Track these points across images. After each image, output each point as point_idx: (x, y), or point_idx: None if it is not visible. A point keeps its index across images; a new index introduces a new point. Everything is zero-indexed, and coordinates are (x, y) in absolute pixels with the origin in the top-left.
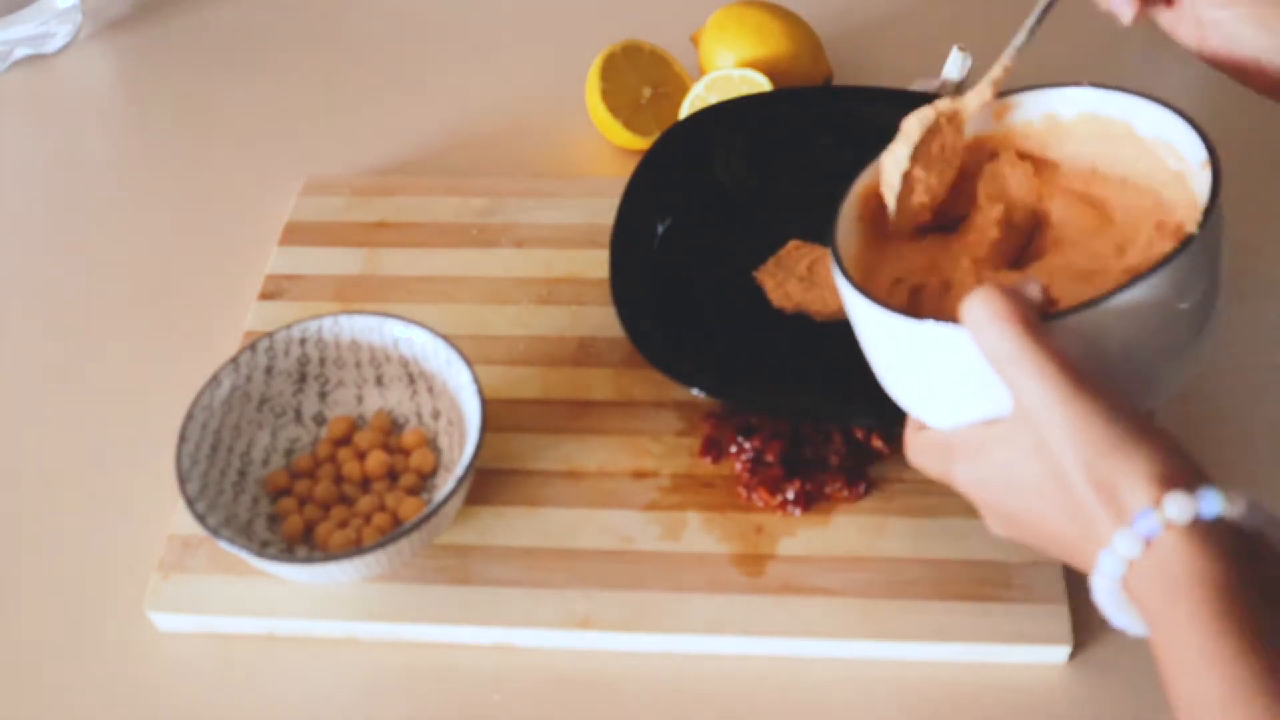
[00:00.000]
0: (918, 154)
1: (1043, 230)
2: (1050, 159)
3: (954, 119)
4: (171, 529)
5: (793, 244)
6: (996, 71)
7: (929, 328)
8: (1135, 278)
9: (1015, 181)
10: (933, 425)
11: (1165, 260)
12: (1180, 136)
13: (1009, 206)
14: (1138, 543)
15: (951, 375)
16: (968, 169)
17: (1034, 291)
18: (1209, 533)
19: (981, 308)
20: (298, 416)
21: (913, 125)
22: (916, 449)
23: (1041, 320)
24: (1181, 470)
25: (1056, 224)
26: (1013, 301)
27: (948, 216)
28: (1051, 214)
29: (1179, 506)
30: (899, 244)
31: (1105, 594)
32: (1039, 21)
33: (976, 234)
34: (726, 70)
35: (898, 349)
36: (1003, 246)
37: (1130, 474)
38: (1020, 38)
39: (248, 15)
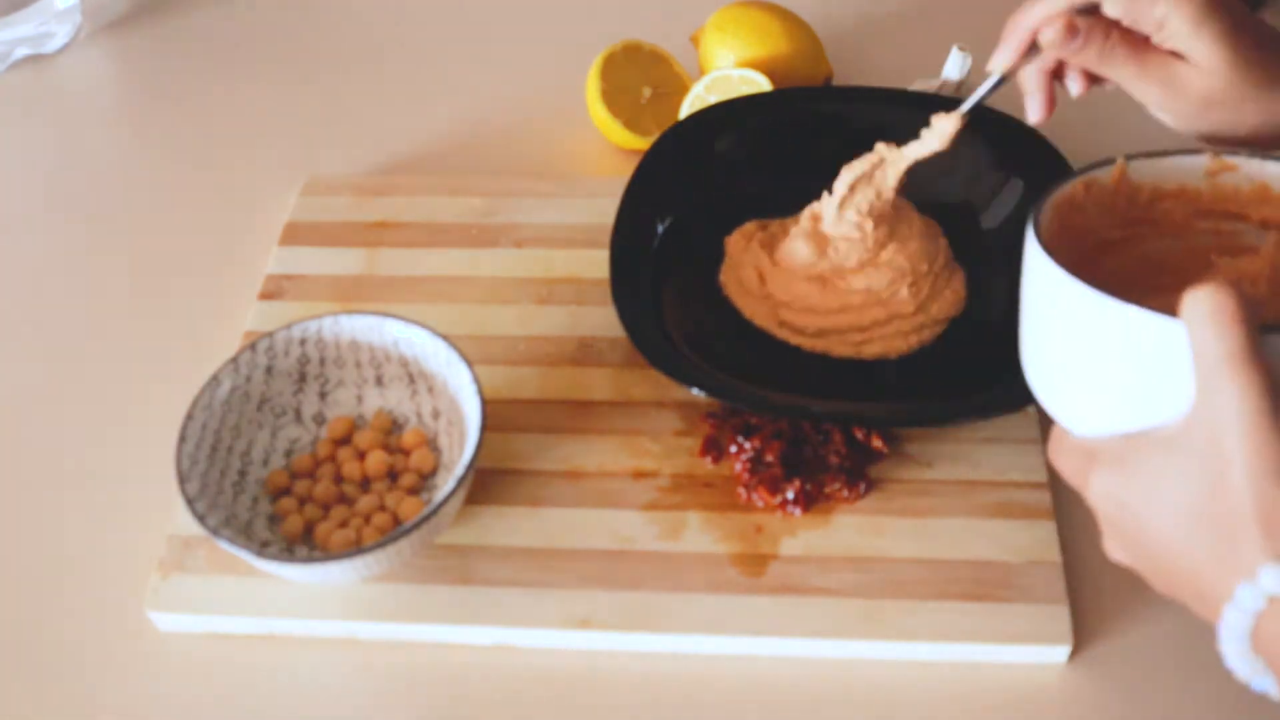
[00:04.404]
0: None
1: None
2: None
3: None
4: (171, 529)
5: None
6: (947, 125)
7: (1133, 312)
8: None
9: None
10: (1077, 430)
11: None
12: None
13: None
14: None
15: (1131, 371)
16: (1156, 215)
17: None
18: None
19: (1210, 301)
20: (298, 416)
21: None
22: (1059, 450)
23: (1260, 332)
24: None
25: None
26: (1244, 304)
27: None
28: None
29: None
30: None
31: (1235, 634)
32: (992, 90)
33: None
34: (726, 70)
35: (1078, 334)
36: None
37: None
38: (976, 97)
39: (248, 15)
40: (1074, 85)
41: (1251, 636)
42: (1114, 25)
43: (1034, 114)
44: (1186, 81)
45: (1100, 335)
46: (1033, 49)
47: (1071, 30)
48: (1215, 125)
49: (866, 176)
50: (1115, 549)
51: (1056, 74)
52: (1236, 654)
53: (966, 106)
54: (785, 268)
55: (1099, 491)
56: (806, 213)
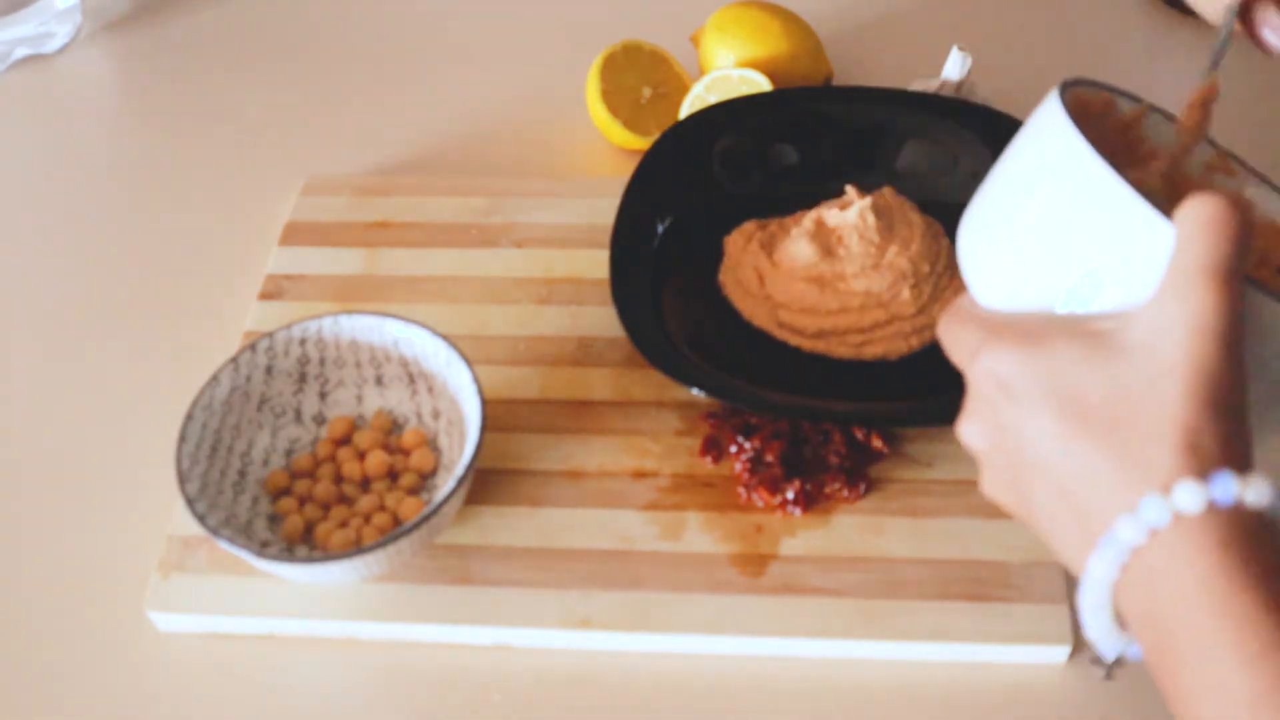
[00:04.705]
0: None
1: None
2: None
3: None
4: (171, 529)
5: (738, 233)
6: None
7: (1128, 195)
8: None
9: None
10: (990, 300)
11: None
12: None
13: None
14: (1200, 500)
15: (1092, 252)
16: (1139, 176)
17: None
18: (1260, 520)
19: (1213, 209)
20: (298, 416)
21: None
22: (953, 317)
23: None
24: (1249, 464)
25: None
26: (1245, 225)
27: None
28: None
29: (1259, 486)
30: None
31: (1111, 561)
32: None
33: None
34: (726, 70)
35: (1060, 199)
36: None
37: (1223, 440)
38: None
39: (248, 15)
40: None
41: (1121, 570)
42: None
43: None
44: None
45: (1084, 208)
46: None
47: None
48: None
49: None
50: (974, 433)
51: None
52: (1103, 587)
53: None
54: (784, 268)
55: (986, 366)
56: (810, 215)
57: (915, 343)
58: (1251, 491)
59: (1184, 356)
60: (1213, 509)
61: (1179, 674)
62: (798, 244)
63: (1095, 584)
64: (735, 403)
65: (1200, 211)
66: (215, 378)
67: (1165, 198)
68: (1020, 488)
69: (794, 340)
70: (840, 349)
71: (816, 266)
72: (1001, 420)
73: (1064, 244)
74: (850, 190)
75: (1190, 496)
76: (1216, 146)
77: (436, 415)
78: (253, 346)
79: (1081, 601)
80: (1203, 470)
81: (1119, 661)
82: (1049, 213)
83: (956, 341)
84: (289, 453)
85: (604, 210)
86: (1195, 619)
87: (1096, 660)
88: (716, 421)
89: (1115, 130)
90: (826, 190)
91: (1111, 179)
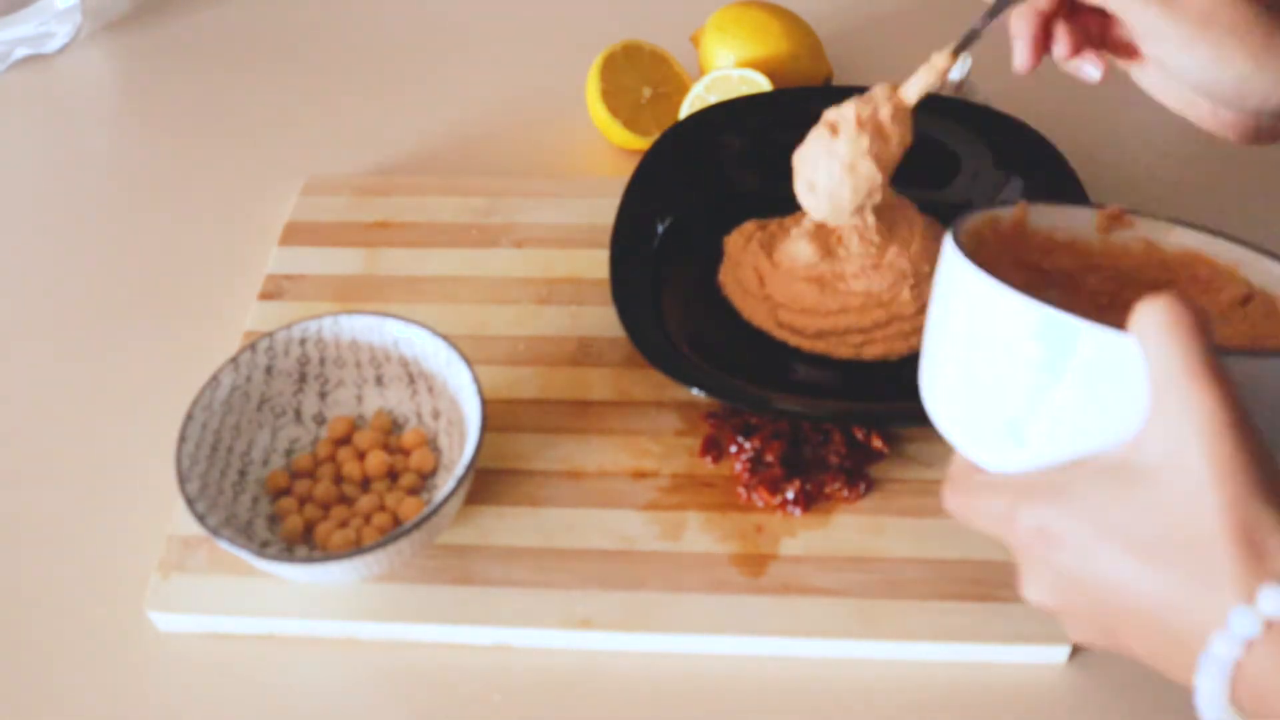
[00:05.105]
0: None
1: None
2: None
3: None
4: (171, 529)
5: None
6: (939, 61)
7: (1071, 323)
8: None
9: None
10: (996, 465)
11: None
12: None
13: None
14: None
15: (1071, 394)
16: (1048, 265)
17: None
18: None
19: (1166, 313)
20: (298, 416)
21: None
22: (967, 489)
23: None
24: None
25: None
26: (1202, 318)
27: None
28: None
29: None
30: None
31: (1218, 676)
32: (989, 17)
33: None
34: (726, 70)
35: (1010, 353)
36: None
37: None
38: (971, 27)
39: (248, 15)
40: (1060, 46)
41: (1230, 683)
42: None
43: (1020, 58)
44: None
45: (1039, 352)
46: None
47: None
48: (1210, 58)
49: (869, 119)
50: (1041, 592)
51: (1046, 32)
52: (1218, 701)
53: (962, 39)
54: (784, 269)
55: (1029, 528)
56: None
57: (915, 343)
58: None
59: (1209, 462)
60: None
61: None
62: (797, 244)
63: (1208, 700)
64: (735, 403)
65: (1159, 319)
66: (215, 378)
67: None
68: (1107, 627)
69: (794, 340)
70: (840, 349)
71: (816, 267)
72: (1066, 573)
73: (1039, 396)
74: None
75: (1274, 601)
76: (1103, 207)
77: (436, 415)
78: (253, 346)
79: (1201, 712)
80: (1277, 569)
81: None
82: (1006, 372)
83: (980, 513)
84: (289, 453)
85: (604, 210)
86: None
87: None
88: (716, 421)
89: (1010, 243)
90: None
91: (1048, 314)
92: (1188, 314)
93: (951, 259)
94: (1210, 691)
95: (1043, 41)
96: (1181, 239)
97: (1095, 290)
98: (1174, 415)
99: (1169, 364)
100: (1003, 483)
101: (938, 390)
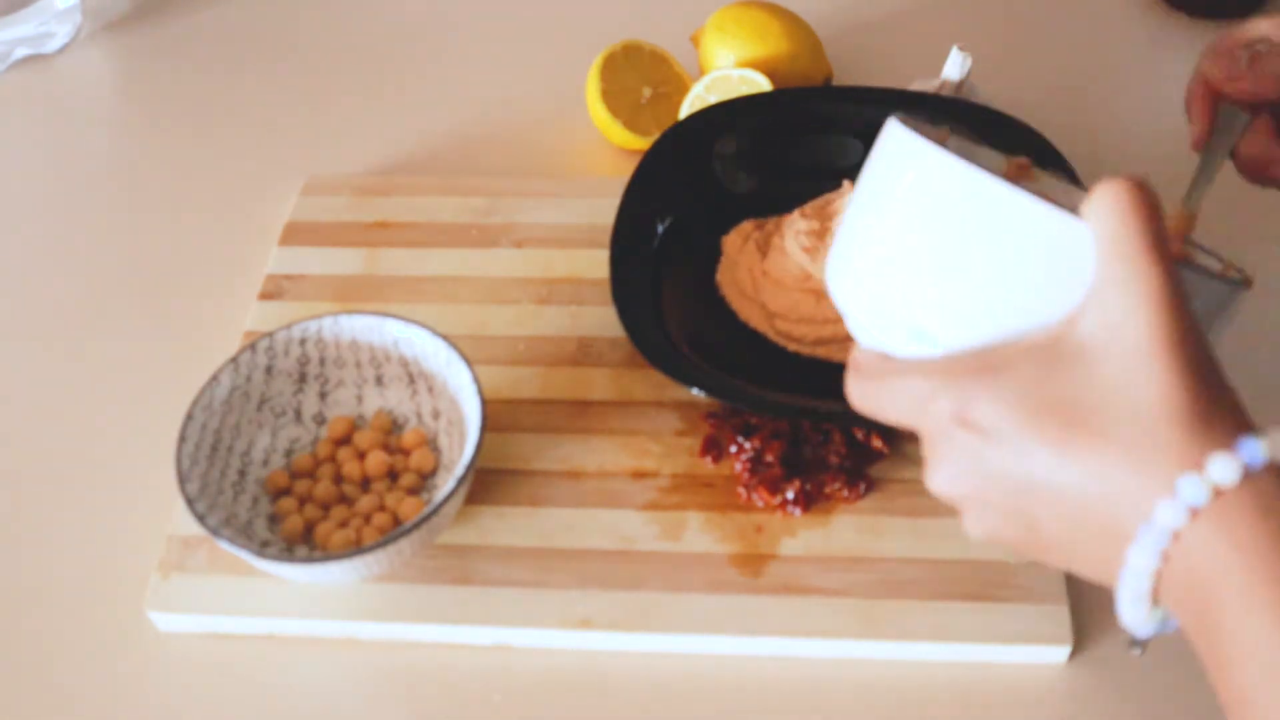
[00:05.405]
0: None
1: None
2: None
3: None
4: (171, 529)
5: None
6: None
7: (1027, 201)
8: (1223, 276)
9: None
10: (910, 349)
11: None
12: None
13: None
14: (1235, 469)
15: (1004, 271)
16: None
17: None
18: None
19: (1126, 192)
20: (298, 416)
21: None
22: (874, 376)
23: None
24: (1250, 418)
25: None
26: (1157, 202)
27: None
28: None
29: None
30: None
31: (1151, 551)
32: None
33: None
34: (726, 70)
35: (939, 225)
36: None
37: (1225, 401)
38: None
39: (248, 15)
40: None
41: (1161, 559)
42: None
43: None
44: None
45: (976, 225)
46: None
47: (1232, 63)
48: None
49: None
50: (954, 481)
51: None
52: (1143, 583)
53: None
54: (775, 278)
55: (946, 411)
56: (791, 226)
57: None
58: (1276, 448)
59: (1154, 333)
60: (1248, 475)
61: (1219, 644)
62: (788, 258)
63: (1136, 575)
64: (735, 403)
65: (1117, 196)
66: (215, 378)
67: None
68: (1020, 519)
69: (793, 347)
70: (840, 355)
71: (809, 280)
72: (982, 462)
73: (969, 273)
74: (847, 185)
75: (1225, 469)
76: (1010, 156)
77: (436, 415)
78: (253, 346)
79: (1120, 595)
80: (1226, 439)
81: (1153, 637)
82: (940, 246)
83: (893, 399)
84: (289, 453)
85: (604, 210)
86: (1237, 587)
87: (1133, 642)
88: (716, 421)
89: None
90: (826, 190)
91: (1018, 195)
92: (1146, 196)
93: (897, 133)
94: (1140, 569)
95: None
96: (1078, 202)
97: None
98: (1120, 288)
99: (1123, 239)
100: (918, 366)
101: (849, 273)
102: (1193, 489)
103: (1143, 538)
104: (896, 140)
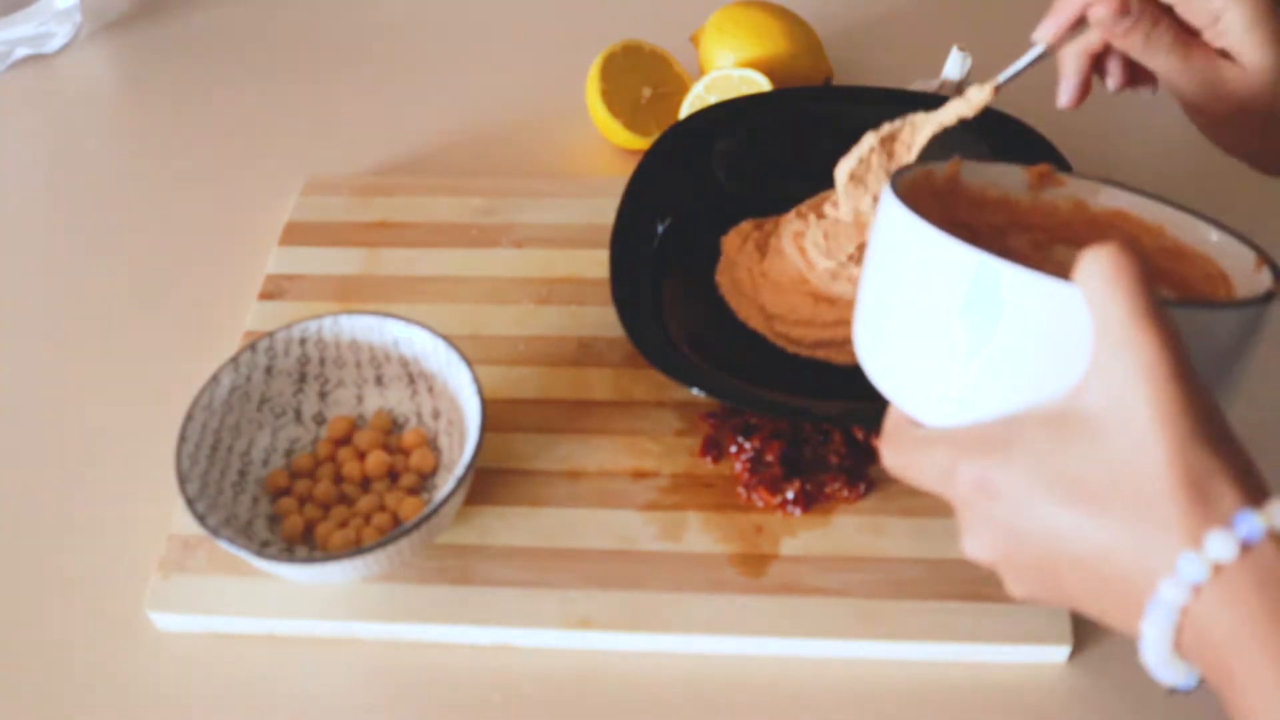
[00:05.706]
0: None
1: None
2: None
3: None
4: (171, 529)
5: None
6: (979, 95)
7: (1009, 271)
8: (1245, 300)
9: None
10: (933, 419)
11: (1267, 296)
12: (1218, 246)
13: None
14: (1233, 546)
15: (1007, 344)
16: (977, 222)
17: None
18: None
19: (1110, 262)
20: (298, 416)
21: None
22: (902, 443)
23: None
24: (1259, 483)
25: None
26: (1145, 266)
27: None
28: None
29: (1277, 510)
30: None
31: (1163, 623)
32: (1032, 63)
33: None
34: (726, 70)
35: (941, 301)
36: None
37: (1226, 472)
38: (1014, 68)
39: (248, 15)
40: (1112, 79)
41: (1176, 630)
42: (1166, 13)
43: (1065, 96)
44: (1228, 82)
45: (976, 300)
46: (1080, 24)
47: (1123, 8)
48: (1245, 134)
49: (889, 139)
50: (983, 546)
51: (1097, 65)
52: (1163, 649)
53: (1003, 77)
54: (774, 280)
55: (970, 481)
56: (788, 227)
57: None
58: (1276, 516)
59: (1152, 407)
60: (1247, 548)
61: (1240, 699)
62: (786, 259)
63: (1154, 645)
64: (735, 403)
65: (1102, 266)
66: (215, 378)
67: (1028, 244)
68: (1050, 581)
69: (792, 349)
70: (840, 357)
71: (807, 283)
72: (1007, 527)
73: (977, 347)
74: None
75: (1222, 545)
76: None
77: (436, 415)
78: (253, 346)
79: (1145, 659)
80: (1224, 514)
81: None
82: (943, 321)
83: (920, 468)
84: (289, 453)
85: (604, 210)
86: (1245, 660)
87: (1172, 691)
88: (716, 421)
89: (943, 197)
90: (826, 191)
91: (989, 262)
92: (1132, 262)
93: (889, 207)
94: (1156, 638)
95: (1088, 80)
96: (1109, 198)
97: (1023, 248)
98: (1117, 362)
99: (1112, 311)
100: (941, 437)
101: (873, 343)
102: (1192, 567)
103: (1152, 613)
104: (885, 211)
